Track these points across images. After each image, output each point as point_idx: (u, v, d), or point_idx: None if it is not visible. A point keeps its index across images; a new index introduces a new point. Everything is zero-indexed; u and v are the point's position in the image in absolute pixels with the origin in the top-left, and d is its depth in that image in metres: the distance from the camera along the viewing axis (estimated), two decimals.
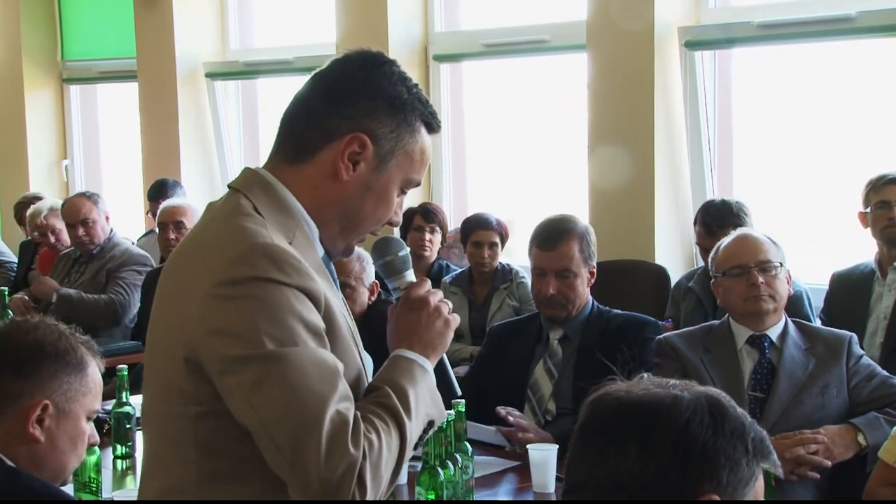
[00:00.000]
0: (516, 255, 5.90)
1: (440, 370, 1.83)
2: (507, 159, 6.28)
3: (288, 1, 7.07)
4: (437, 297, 1.82)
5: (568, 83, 5.77)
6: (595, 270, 3.41)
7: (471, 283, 5.20)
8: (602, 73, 5.23)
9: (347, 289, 3.56)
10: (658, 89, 5.06)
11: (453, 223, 5.95)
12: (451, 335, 1.81)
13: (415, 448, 1.72)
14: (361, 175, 1.73)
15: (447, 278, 5.27)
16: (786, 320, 3.16)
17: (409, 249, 1.90)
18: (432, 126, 1.80)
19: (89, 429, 2.06)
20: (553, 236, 3.35)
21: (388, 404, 1.66)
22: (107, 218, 5.64)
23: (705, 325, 3.28)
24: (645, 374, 1.42)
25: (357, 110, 1.72)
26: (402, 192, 1.80)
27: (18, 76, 8.09)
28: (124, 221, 7.68)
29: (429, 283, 1.85)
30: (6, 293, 5.10)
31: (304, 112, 1.76)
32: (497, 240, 5.15)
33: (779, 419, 3.00)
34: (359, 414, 1.61)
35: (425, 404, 1.71)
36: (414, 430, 1.68)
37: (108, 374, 3.85)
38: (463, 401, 2.84)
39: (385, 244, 1.89)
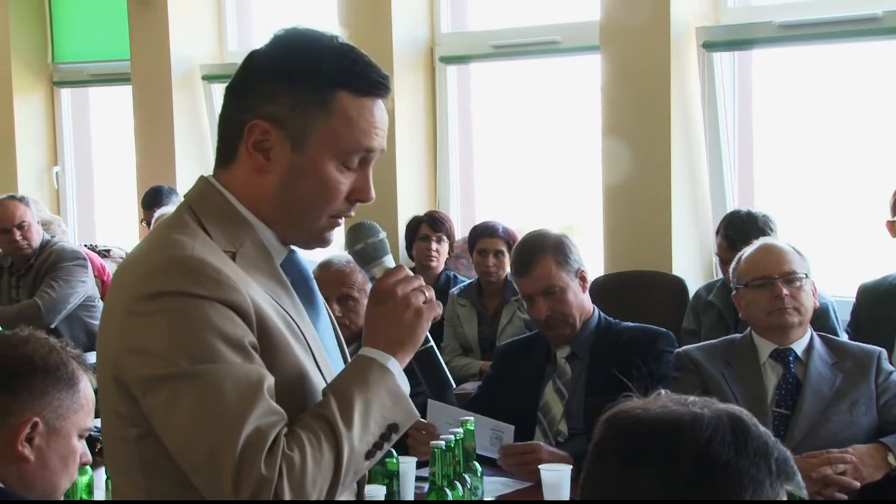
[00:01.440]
0: None
1: (428, 362, 1.78)
2: (518, 166, 6.28)
3: (288, 1, 7.09)
4: (408, 285, 1.73)
5: (580, 86, 5.78)
6: (586, 275, 3.41)
7: (480, 295, 5.20)
8: (616, 76, 5.23)
9: (350, 301, 3.55)
10: (675, 92, 5.06)
11: (461, 232, 5.95)
12: (424, 326, 1.73)
13: (372, 457, 1.65)
14: (280, 161, 1.69)
15: (455, 290, 5.27)
16: (811, 334, 3.16)
17: (384, 234, 1.83)
18: (361, 88, 1.69)
19: (81, 447, 2.06)
20: (524, 260, 3.37)
21: (324, 414, 1.61)
22: (39, 222, 5.52)
23: (727, 339, 3.28)
24: (662, 391, 1.42)
25: (254, 97, 1.69)
26: (347, 166, 1.70)
27: (7, 79, 8.12)
28: (117, 231, 7.71)
29: (403, 270, 1.76)
30: None
31: (222, 111, 1.75)
32: (503, 248, 5.15)
33: (804, 437, 3.00)
34: (285, 429, 1.58)
35: (382, 408, 1.65)
36: (357, 438, 1.62)
37: None
38: (472, 418, 2.84)
39: (356, 231, 1.83)
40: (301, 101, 1.67)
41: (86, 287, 5.40)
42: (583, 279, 3.39)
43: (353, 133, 1.69)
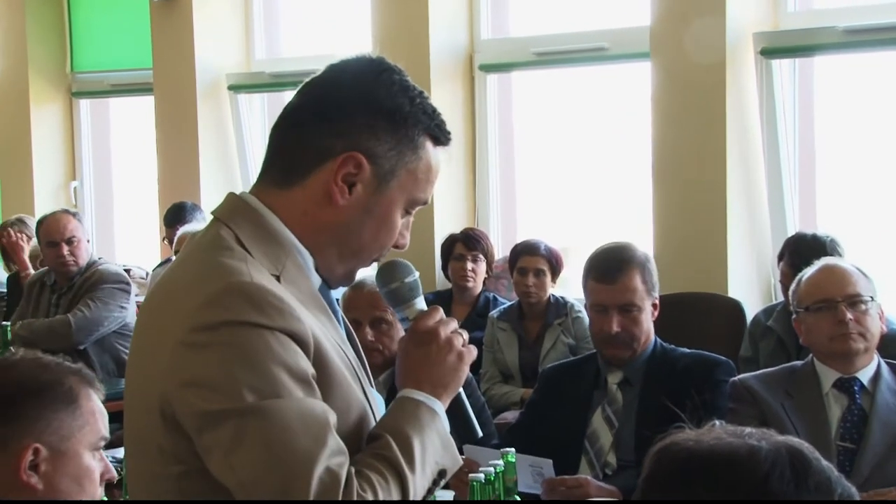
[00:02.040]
0: (572, 286, 5.89)
1: (457, 410, 1.80)
2: (562, 181, 6.28)
3: (319, 7, 7.14)
4: (448, 327, 1.78)
5: (629, 96, 5.77)
6: (658, 303, 3.40)
7: (521, 318, 5.20)
8: (667, 85, 5.22)
9: (384, 325, 3.56)
10: (731, 103, 5.05)
11: (501, 251, 5.95)
12: (465, 370, 1.78)
13: (423, 501, 1.69)
14: (359, 198, 1.72)
15: (494, 312, 5.27)
16: (878, 361, 3.13)
17: (418, 275, 1.87)
18: (440, 139, 1.77)
19: (99, 465, 2.03)
20: (613, 267, 3.34)
21: (388, 456, 1.64)
22: (88, 241, 5.60)
23: (787, 367, 3.25)
24: (717, 422, 1.41)
25: (352, 126, 1.71)
26: (407, 212, 1.78)
27: (24, 89, 8.22)
28: (138, 249, 7.78)
29: (440, 312, 1.82)
30: (7, 329, 5.17)
31: (294, 128, 1.75)
32: (545, 267, 5.14)
33: (872, 473, 2.97)
34: (353, 470, 1.60)
35: (434, 452, 1.69)
36: (419, 482, 1.65)
37: (122, 419, 3.89)
38: (513, 450, 2.83)
39: (390, 269, 1.86)
40: (399, 143, 1.72)
41: (124, 314, 5.44)
42: (655, 307, 3.38)
43: (425, 183, 1.77)
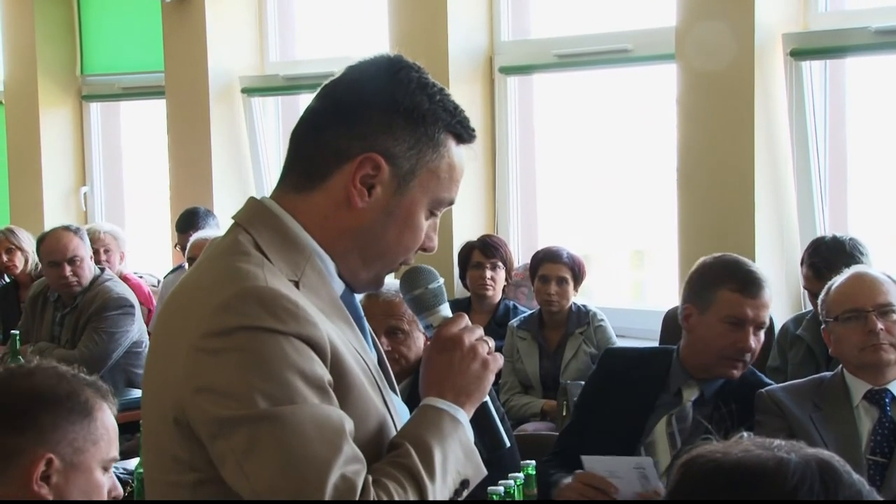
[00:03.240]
0: (595, 295, 5.88)
1: (483, 419, 1.81)
2: (584, 186, 6.27)
3: (334, 8, 7.16)
4: (473, 334, 1.79)
5: (654, 99, 5.77)
6: None
7: (541, 327, 5.19)
8: (693, 87, 5.21)
9: (400, 334, 3.56)
10: (759, 105, 5.04)
11: (522, 259, 5.95)
12: (490, 378, 1.79)
13: None
14: (379, 200, 1.73)
15: (514, 321, 5.27)
16: None
17: (442, 281, 1.88)
18: (463, 136, 1.78)
19: (108, 481, 2.06)
20: (758, 281, 3.24)
21: (406, 465, 1.64)
22: (91, 257, 5.55)
23: (815, 378, 3.24)
24: (745, 433, 1.41)
25: (369, 126, 1.72)
26: (433, 213, 1.78)
27: (33, 93, 8.27)
28: (149, 256, 7.80)
29: (465, 319, 1.83)
30: (17, 337, 5.19)
31: (312, 131, 1.76)
32: (567, 275, 5.14)
33: None
34: (370, 478, 1.60)
35: (456, 461, 1.69)
36: (438, 492, 1.66)
37: (131, 430, 3.90)
38: (533, 462, 2.83)
39: (414, 276, 1.86)
40: (419, 141, 1.73)
41: (130, 335, 5.43)
42: None
43: (448, 182, 1.77)
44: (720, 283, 3.24)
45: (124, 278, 6.52)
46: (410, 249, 1.78)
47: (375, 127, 1.72)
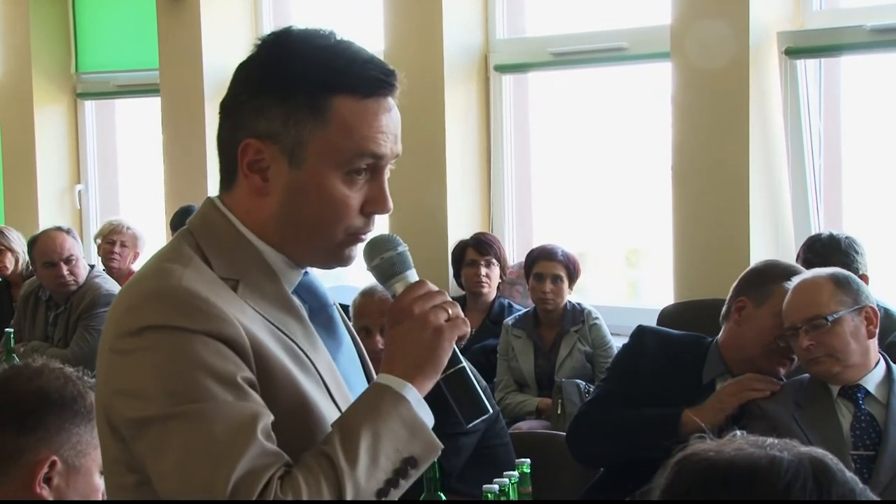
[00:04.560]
0: (590, 293, 5.88)
1: (460, 386, 1.73)
2: (579, 184, 6.27)
3: (329, 6, 7.16)
4: (427, 302, 1.69)
5: (649, 97, 5.77)
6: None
7: (536, 326, 5.19)
8: (689, 85, 5.22)
9: (366, 332, 3.55)
10: (754, 104, 5.04)
11: (516, 257, 5.95)
12: (446, 347, 1.68)
13: (385, 495, 1.60)
14: (278, 180, 1.70)
15: (509, 320, 5.27)
16: (888, 365, 3.13)
17: (405, 247, 1.78)
18: (361, 90, 1.68)
19: (103, 484, 2.04)
20: None
21: (325, 451, 1.60)
22: (83, 256, 5.58)
23: (796, 379, 3.25)
24: (738, 432, 1.41)
25: (243, 113, 1.70)
26: (352, 176, 1.69)
27: (27, 90, 8.25)
28: (144, 254, 7.79)
29: (424, 286, 1.72)
30: (11, 335, 5.19)
31: (218, 132, 1.76)
32: (562, 273, 5.14)
33: (892, 481, 2.97)
34: (280, 472, 1.57)
35: (394, 440, 1.62)
36: (363, 475, 1.58)
37: None
38: (528, 461, 2.83)
39: (371, 247, 1.78)
40: (293, 112, 1.68)
41: None
42: None
43: (354, 140, 1.68)
44: (782, 278, 3.26)
45: (131, 275, 6.54)
46: (340, 219, 1.70)
47: (248, 111, 1.70)
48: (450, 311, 1.70)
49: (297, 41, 1.72)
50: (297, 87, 1.68)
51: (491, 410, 1.78)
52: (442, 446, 1.68)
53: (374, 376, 1.76)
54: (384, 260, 1.76)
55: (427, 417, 1.66)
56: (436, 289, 1.73)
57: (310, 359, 1.71)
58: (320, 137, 1.68)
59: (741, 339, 3.29)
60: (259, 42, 1.75)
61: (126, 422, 1.61)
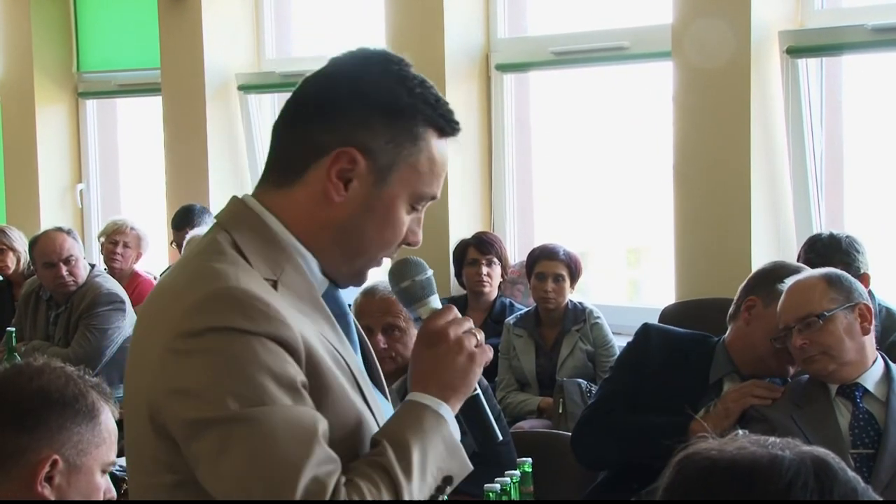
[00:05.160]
0: (591, 292, 5.88)
1: (474, 412, 1.79)
2: (581, 184, 6.28)
3: (331, 5, 7.16)
4: (460, 327, 1.76)
5: (650, 96, 5.77)
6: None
7: (538, 325, 5.20)
8: (690, 84, 5.22)
9: (396, 331, 3.56)
10: (755, 103, 5.04)
11: (518, 256, 5.95)
12: (477, 372, 1.76)
13: None
14: (357, 194, 1.72)
15: (511, 319, 5.27)
16: (886, 364, 3.13)
17: (431, 273, 1.86)
18: (445, 130, 1.76)
19: (105, 483, 2.07)
20: None
21: (382, 463, 1.63)
22: (84, 257, 5.58)
23: (795, 380, 3.25)
24: (741, 431, 1.41)
25: (346, 120, 1.71)
26: (414, 208, 1.77)
27: (29, 89, 8.26)
28: (146, 256, 7.79)
29: (453, 311, 1.80)
30: (13, 334, 5.19)
31: (290, 126, 1.76)
32: (564, 272, 5.14)
33: (893, 479, 2.97)
34: (343, 479, 1.59)
35: (437, 458, 1.67)
36: (416, 490, 1.64)
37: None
38: (529, 460, 2.83)
39: (402, 268, 1.85)
40: (397, 135, 1.72)
41: (122, 331, 5.44)
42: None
43: (429, 176, 1.75)
44: (774, 284, 3.25)
45: (136, 276, 6.56)
46: (391, 244, 1.77)
47: (352, 121, 1.71)
48: (478, 338, 1.78)
49: (398, 64, 1.76)
50: (405, 112, 1.72)
51: (500, 437, 1.84)
52: (471, 467, 1.74)
53: (382, 380, 1.84)
54: (415, 283, 1.83)
55: (458, 437, 1.72)
56: (461, 316, 1.80)
57: (346, 363, 1.73)
58: (410, 165, 1.73)
59: (750, 338, 3.29)
60: (354, 53, 1.77)
61: (182, 422, 1.60)
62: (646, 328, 3.48)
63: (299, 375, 1.62)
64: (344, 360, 1.72)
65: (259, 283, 1.66)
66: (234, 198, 1.79)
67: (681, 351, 3.36)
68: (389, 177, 1.72)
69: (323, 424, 1.61)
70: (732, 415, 3.14)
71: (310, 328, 1.68)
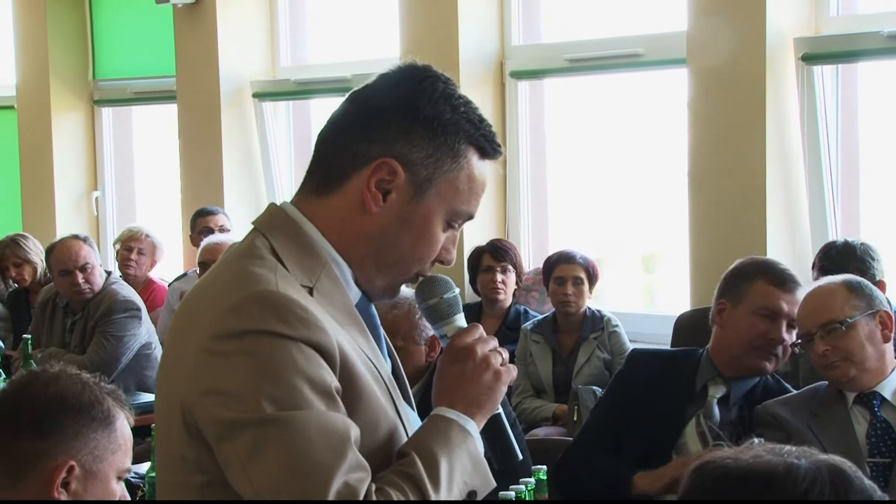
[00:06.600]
0: (606, 299, 5.88)
1: (496, 430, 1.81)
2: (595, 190, 6.27)
3: (346, 12, 7.17)
4: (486, 345, 1.79)
5: (665, 103, 5.76)
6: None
7: (555, 331, 5.19)
8: (705, 91, 5.21)
9: (396, 350, 3.54)
10: (770, 110, 5.03)
11: (532, 263, 5.95)
12: (502, 390, 1.79)
13: None
14: (394, 206, 1.74)
15: (528, 324, 5.27)
16: None
17: (458, 291, 1.89)
18: (486, 150, 1.79)
19: (120, 490, 2.08)
20: (793, 278, 3.34)
21: (411, 474, 1.65)
22: (100, 264, 5.59)
23: (811, 388, 3.25)
24: (756, 439, 1.41)
25: (388, 132, 1.73)
26: (451, 226, 1.79)
27: (45, 97, 8.30)
28: (161, 264, 7.82)
29: (479, 329, 1.83)
30: (29, 341, 5.21)
31: (334, 135, 1.78)
32: (583, 275, 5.14)
33: None
34: (373, 487, 1.61)
35: (463, 472, 1.69)
36: (443, 502, 1.66)
37: (142, 434, 3.91)
38: (544, 467, 2.83)
39: (429, 285, 1.87)
40: (437, 150, 1.74)
41: (138, 339, 5.47)
42: None
43: (467, 195, 1.77)
44: (755, 276, 3.31)
45: (150, 283, 6.59)
46: (426, 259, 1.79)
47: (394, 132, 1.73)
48: (504, 356, 1.80)
49: (444, 82, 1.78)
50: (447, 129, 1.75)
51: (521, 457, 1.87)
52: (495, 484, 1.76)
53: (410, 392, 1.86)
54: (443, 300, 1.85)
55: (482, 452, 1.74)
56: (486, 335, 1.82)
57: (378, 371, 1.75)
58: (449, 181, 1.75)
59: (726, 340, 3.33)
60: (407, 68, 1.79)
61: (217, 422, 1.62)
62: (633, 353, 3.57)
63: (334, 381, 1.64)
64: (377, 369, 1.74)
65: (297, 289, 1.68)
66: (272, 204, 1.82)
67: (670, 364, 3.41)
68: (427, 191, 1.74)
69: (355, 431, 1.63)
70: (664, 479, 3.14)
71: (344, 336, 1.69)
